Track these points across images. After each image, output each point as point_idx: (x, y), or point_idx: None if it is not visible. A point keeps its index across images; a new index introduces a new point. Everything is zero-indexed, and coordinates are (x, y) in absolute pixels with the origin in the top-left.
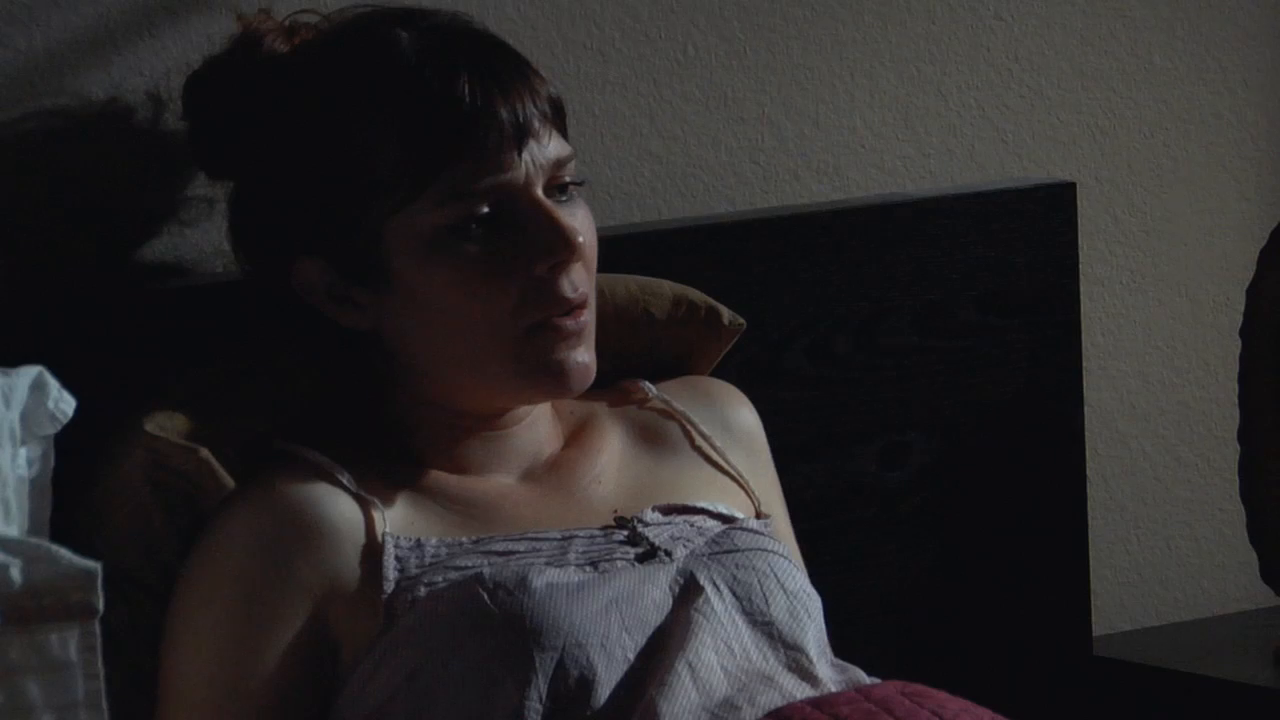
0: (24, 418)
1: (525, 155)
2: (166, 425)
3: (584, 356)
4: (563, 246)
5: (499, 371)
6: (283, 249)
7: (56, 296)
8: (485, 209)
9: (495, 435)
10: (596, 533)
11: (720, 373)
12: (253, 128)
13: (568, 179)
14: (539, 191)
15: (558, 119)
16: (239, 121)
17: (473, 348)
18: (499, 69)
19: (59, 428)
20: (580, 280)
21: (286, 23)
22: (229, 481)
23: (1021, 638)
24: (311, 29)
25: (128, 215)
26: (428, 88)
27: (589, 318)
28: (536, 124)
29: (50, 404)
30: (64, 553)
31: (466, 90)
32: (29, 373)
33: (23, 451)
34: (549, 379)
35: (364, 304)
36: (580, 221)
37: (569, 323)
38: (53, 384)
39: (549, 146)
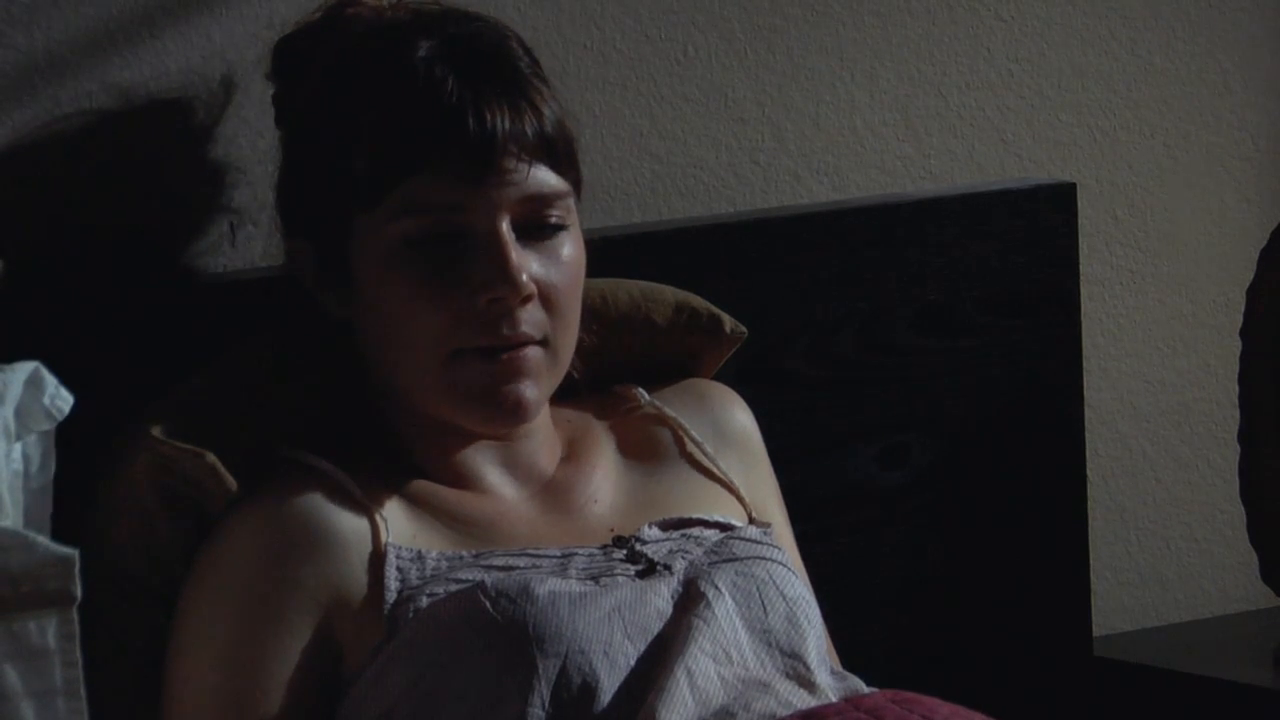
0: (19, 413)
1: (493, 179)
2: (172, 429)
3: (522, 391)
4: (502, 285)
5: (429, 391)
6: (284, 224)
7: (56, 296)
8: (442, 227)
9: (492, 447)
10: (596, 551)
11: (720, 373)
12: (291, 97)
13: (553, 218)
14: (501, 222)
15: (550, 151)
16: (290, 88)
17: (409, 361)
18: (488, 86)
19: (55, 424)
20: (530, 320)
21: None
22: (234, 486)
23: (1021, 638)
24: (401, 7)
25: (128, 215)
26: (410, 94)
27: (537, 355)
28: (513, 148)
29: (46, 400)
30: (41, 540)
31: (443, 102)
32: (24, 368)
33: (17, 447)
34: (479, 407)
35: (339, 295)
36: (550, 263)
37: (504, 355)
38: (49, 379)
39: (528, 177)
